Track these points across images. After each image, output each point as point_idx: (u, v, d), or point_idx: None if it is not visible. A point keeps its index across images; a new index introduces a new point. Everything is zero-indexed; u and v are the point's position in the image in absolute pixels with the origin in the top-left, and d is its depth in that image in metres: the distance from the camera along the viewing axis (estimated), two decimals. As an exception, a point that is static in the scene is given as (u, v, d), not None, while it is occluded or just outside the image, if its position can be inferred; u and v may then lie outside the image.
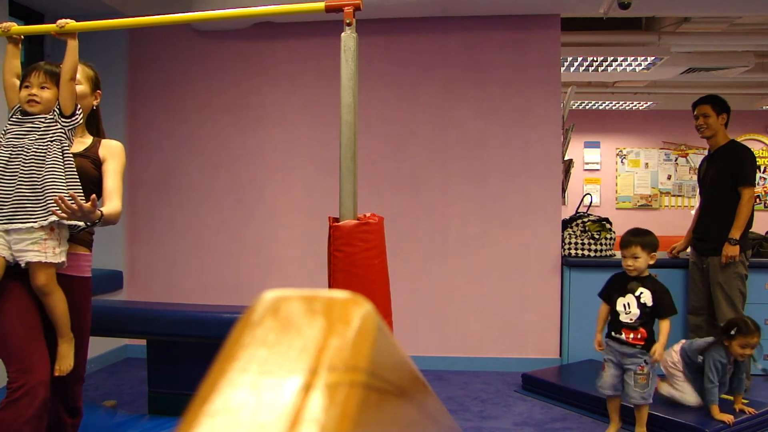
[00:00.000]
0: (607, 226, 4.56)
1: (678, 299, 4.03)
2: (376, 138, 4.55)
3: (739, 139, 5.79)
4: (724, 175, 4.02)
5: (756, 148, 8.58)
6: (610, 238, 4.51)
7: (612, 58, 5.61)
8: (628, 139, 9.10)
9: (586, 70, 6.01)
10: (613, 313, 3.19)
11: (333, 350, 0.36)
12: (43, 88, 2.26)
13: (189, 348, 3.15)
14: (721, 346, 3.26)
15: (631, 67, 5.91)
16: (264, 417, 0.32)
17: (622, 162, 9.11)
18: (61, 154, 2.22)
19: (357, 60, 2.27)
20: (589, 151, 9.06)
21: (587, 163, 9.08)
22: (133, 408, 3.51)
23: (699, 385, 3.32)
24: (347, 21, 2.26)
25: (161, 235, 4.79)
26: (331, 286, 2.25)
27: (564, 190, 4.86)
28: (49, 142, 2.21)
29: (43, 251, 2.15)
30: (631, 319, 3.12)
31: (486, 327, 4.58)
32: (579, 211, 4.77)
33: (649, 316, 3.13)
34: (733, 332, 3.23)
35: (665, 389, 3.41)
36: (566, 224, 4.63)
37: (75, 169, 2.25)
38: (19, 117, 2.27)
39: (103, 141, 2.44)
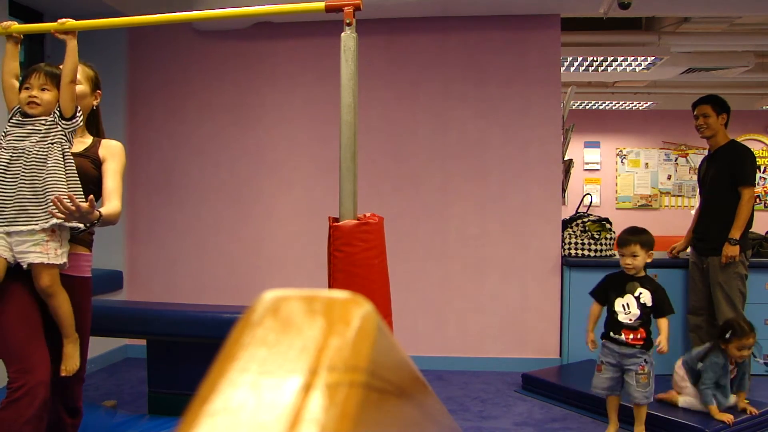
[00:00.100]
0: (607, 226, 4.56)
1: (678, 299, 4.04)
2: (376, 138, 4.55)
3: (739, 139, 5.79)
4: (724, 175, 4.02)
5: (756, 148, 8.58)
6: (610, 238, 4.51)
7: (612, 58, 5.61)
8: (628, 139, 9.10)
9: (586, 70, 6.01)
10: (611, 314, 3.19)
11: (333, 350, 0.36)
12: (43, 89, 2.26)
13: (189, 348, 3.15)
14: (719, 350, 3.28)
15: (631, 67, 5.91)
16: (264, 417, 0.32)
17: (622, 162, 9.11)
18: (62, 156, 2.22)
19: (357, 60, 2.27)
20: (589, 151, 9.06)
21: (587, 163, 9.07)
22: (133, 408, 3.51)
23: None
24: (347, 21, 2.26)
25: (161, 235, 4.79)
26: (331, 286, 2.25)
27: (564, 190, 4.86)
28: (50, 145, 2.21)
29: (44, 253, 2.15)
30: (630, 320, 3.12)
31: (486, 327, 4.58)
32: (579, 211, 4.77)
33: (648, 316, 3.13)
34: (728, 335, 3.25)
35: (682, 401, 3.38)
36: (566, 224, 4.63)
37: (76, 171, 2.25)
38: (20, 119, 2.26)
39: (103, 141, 2.44)
